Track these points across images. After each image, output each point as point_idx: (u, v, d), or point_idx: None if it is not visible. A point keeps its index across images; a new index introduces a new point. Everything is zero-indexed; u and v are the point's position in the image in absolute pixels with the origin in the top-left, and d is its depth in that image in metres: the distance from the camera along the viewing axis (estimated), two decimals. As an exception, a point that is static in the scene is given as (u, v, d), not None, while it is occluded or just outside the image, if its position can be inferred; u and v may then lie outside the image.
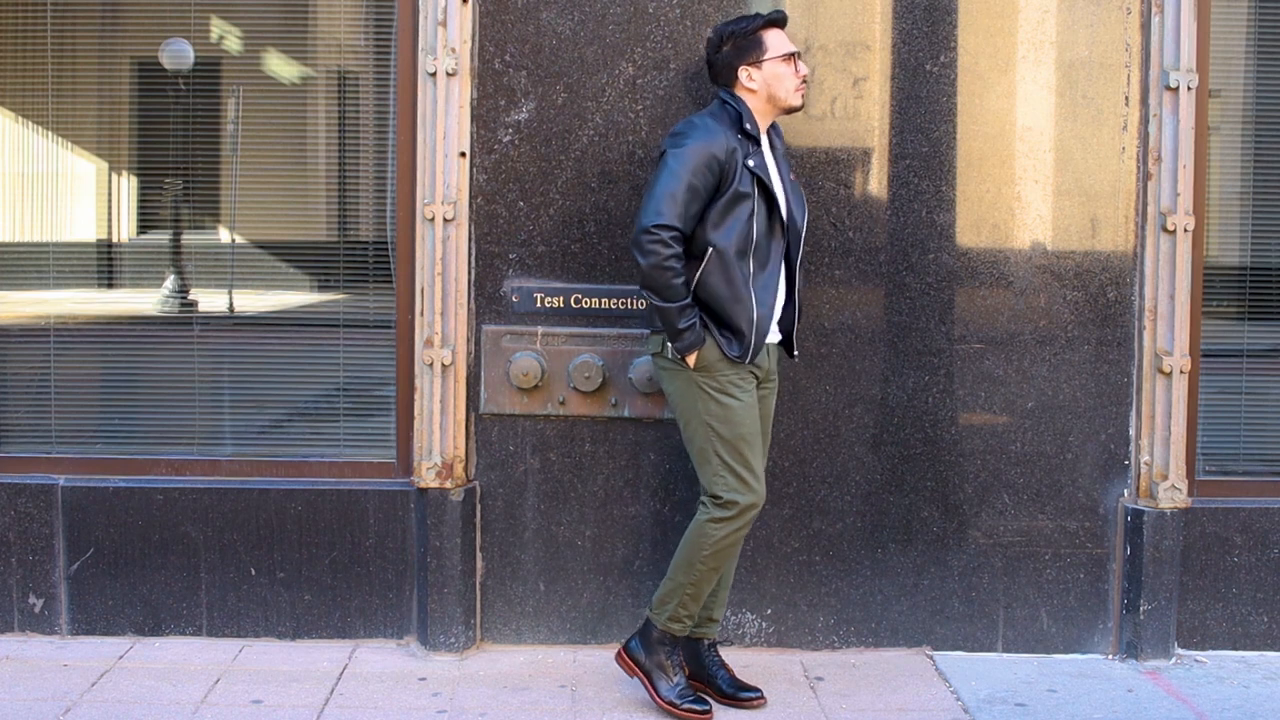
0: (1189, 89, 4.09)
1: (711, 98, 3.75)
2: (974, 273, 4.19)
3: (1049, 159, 4.18)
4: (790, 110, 3.68)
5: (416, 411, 4.11)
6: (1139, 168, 4.18)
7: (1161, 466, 4.15)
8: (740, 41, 3.63)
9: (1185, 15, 4.07)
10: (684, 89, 4.09)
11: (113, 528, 4.17)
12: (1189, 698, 3.89)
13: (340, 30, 4.52)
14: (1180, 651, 4.23)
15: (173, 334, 4.45)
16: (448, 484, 4.08)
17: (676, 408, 3.66)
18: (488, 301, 4.14)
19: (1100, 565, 4.23)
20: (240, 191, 4.45)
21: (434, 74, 4.02)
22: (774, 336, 3.69)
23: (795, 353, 3.78)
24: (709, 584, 3.67)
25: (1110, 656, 4.23)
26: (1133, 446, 4.21)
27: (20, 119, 4.43)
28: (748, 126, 3.57)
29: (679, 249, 3.46)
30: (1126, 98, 4.17)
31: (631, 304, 4.11)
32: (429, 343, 4.07)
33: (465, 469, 4.14)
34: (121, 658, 4.05)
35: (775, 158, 3.69)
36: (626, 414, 4.14)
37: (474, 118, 4.09)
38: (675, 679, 3.70)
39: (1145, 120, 4.16)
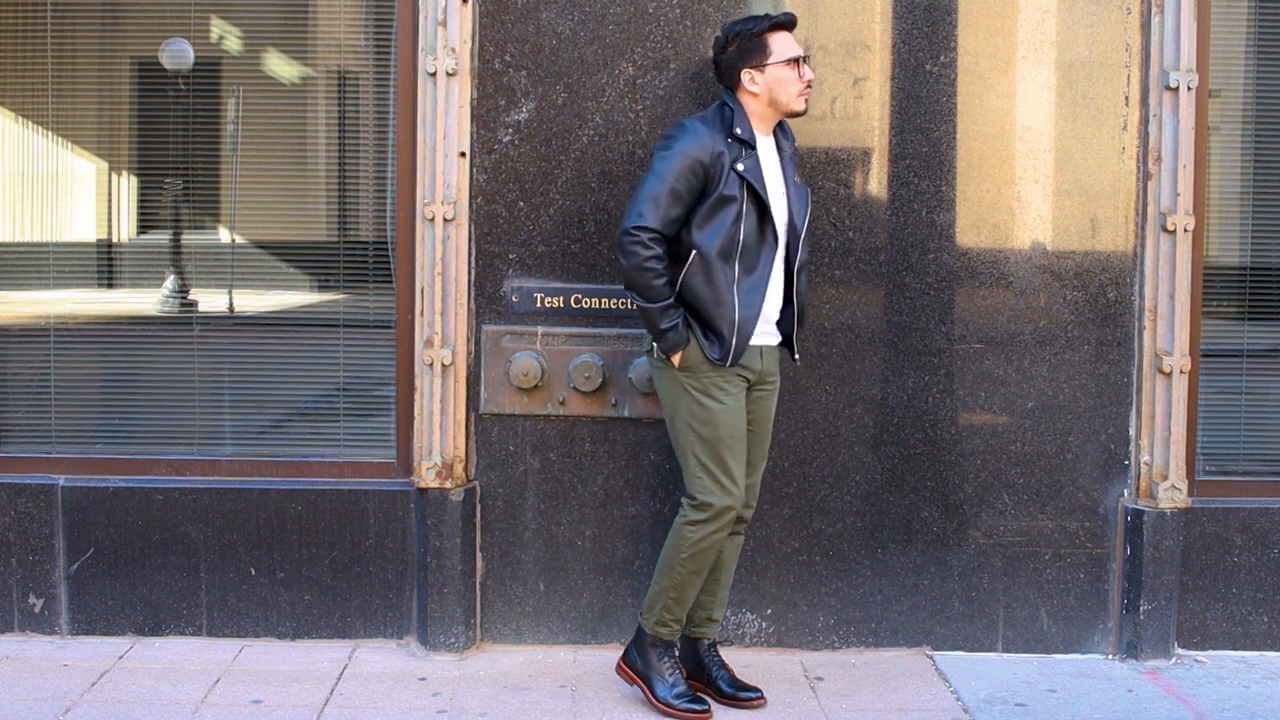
0: (1189, 89, 4.09)
1: (714, 97, 3.75)
2: (974, 273, 4.19)
3: (1049, 159, 4.18)
4: (793, 115, 3.67)
5: (416, 411, 4.11)
6: (1139, 168, 4.18)
7: (1161, 466, 4.15)
8: (745, 44, 3.62)
9: (1185, 15, 4.07)
10: (684, 89, 4.09)
11: (113, 528, 4.17)
12: (1189, 698, 3.89)
13: (340, 30, 4.52)
14: (1180, 651, 4.23)
15: (173, 334, 4.45)
16: (448, 484, 4.08)
17: (664, 406, 3.70)
18: (488, 301, 4.14)
19: (1100, 565, 4.23)
20: (240, 191, 4.45)
21: (434, 74, 4.02)
22: (770, 339, 3.69)
23: (797, 356, 3.76)
24: (691, 587, 3.67)
25: (1110, 656, 4.23)
26: (1133, 446, 4.21)
27: (20, 119, 4.44)
28: (738, 131, 3.56)
29: (659, 250, 3.49)
30: (1126, 98, 4.17)
31: (631, 304, 4.09)
32: (429, 343, 4.07)
33: (465, 469, 4.14)
34: (121, 658, 4.05)
35: (782, 160, 3.67)
36: (626, 414, 4.14)
37: (474, 118, 4.09)
38: (671, 680, 3.70)
39: (1145, 120, 4.16)
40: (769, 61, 3.59)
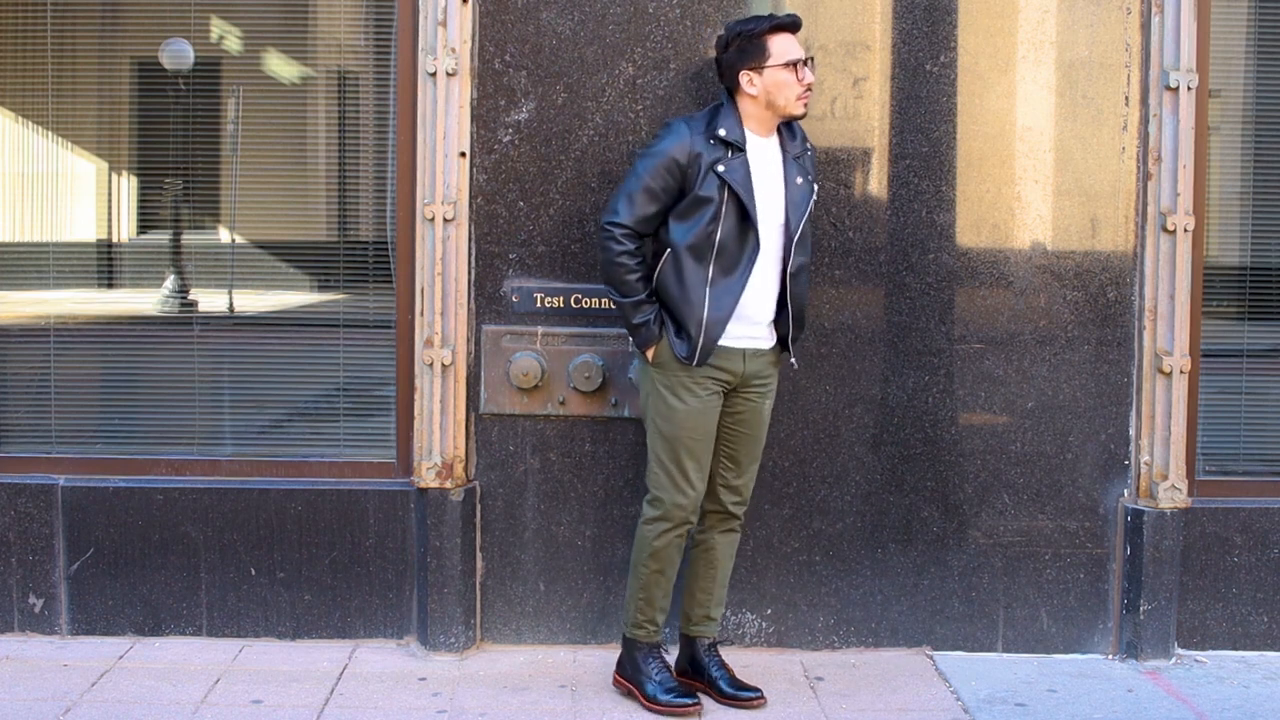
0: (1189, 89, 4.09)
1: (714, 98, 3.75)
2: (974, 273, 4.19)
3: (1049, 159, 4.18)
4: (791, 118, 3.65)
5: (416, 411, 4.11)
6: (1139, 168, 4.18)
7: (1161, 466, 4.15)
8: (744, 44, 3.60)
9: (1185, 15, 4.07)
10: (684, 89, 4.09)
11: (113, 528, 4.17)
12: (1189, 698, 3.89)
13: (340, 30, 4.52)
14: (1180, 651, 4.23)
15: (173, 334, 4.45)
16: (448, 484, 4.08)
17: (640, 399, 3.76)
18: (488, 301, 4.14)
19: (1100, 565, 4.23)
20: (240, 191, 4.45)
21: (434, 74, 4.02)
22: (757, 342, 3.68)
23: (794, 360, 3.76)
24: (657, 586, 3.71)
25: (1110, 656, 4.23)
26: (1133, 446, 4.21)
27: (20, 119, 4.43)
28: (721, 132, 3.56)
29: (631, 246, 3.57)
30: (1126, 98, 4.17)
31: (629, 303, 4.11)
32: (429, 343, 4.07)
33: (465, 469, 4.14)
34: (121, 658, 4.05)
35: (785, 160, 3.65)
36: (626, 414, 4.13)
37: (474, 118, 4.09)
38: (659, 679, 3.72)
39: (1145, 120, 4.16)
40: (767, 64, 3.58)
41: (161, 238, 4.49)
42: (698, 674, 3.82)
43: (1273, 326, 4.52)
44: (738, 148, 3.57)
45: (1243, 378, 4.46)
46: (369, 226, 4.41)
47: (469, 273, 4.12)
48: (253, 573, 4.19)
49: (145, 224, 4.54)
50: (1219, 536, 4.23)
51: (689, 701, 3.68)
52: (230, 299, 4.45)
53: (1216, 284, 4.42)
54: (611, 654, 4.06)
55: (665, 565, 3.71)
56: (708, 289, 3.56)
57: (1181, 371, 4.13)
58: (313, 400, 4.43)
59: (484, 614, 4.20)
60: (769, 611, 4.22)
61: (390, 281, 4.25)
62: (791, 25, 3.64)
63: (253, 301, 4.49)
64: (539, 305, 4.13)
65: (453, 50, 4.02)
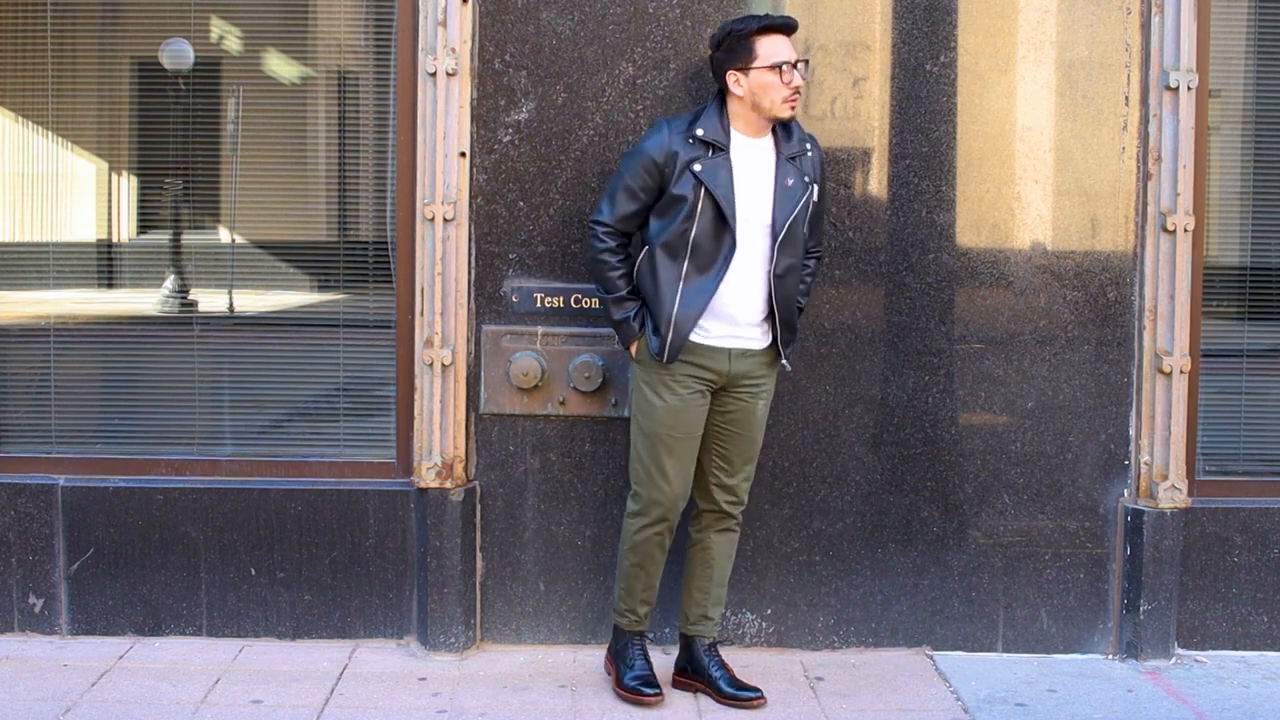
0: (1189, 89, 4.09)
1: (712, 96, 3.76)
2: (974, 273, 4.19)
3: (1049, 159, 4.18)
4: (777, 120, 3.63)
5: (416, 411, 4.11)
6: (1139, 168, 4.18)
7: (1161, 466, 4.15)
8: (733, 44, 3.60)
9: (1185, 15, 4.07)
10: (684, 89, 4.09)
11: (113, 528, 4.17)
12: (1189, 698, 3.89)
13: (340, 30, 4.52)
14: (1180, 651, 4.23)
15: (173, 334, 4.45)
16: (448, 484, 4.08)
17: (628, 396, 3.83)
18: (488, 301, 4.14)
19: (1100, 565, 4.23)
20: (240, 191, 4.45)
21: (434, 74, 4.02)
22: (744, 342, 3.67)
23: (785, 361, 3.74)
24: (636, 579, 3.78)
25: (1110, 656, 4.23)
26: (1133, 446, 4.21)
27: (20, 119, 4.44)
28: (699, 132, 3.57)
29: (613, 244, 3.65)
30: (1126, 98, 4.17)
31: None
32: (429, 343, 4.07)
33: (465, 469, 4.14)
34: (121, 658, 4.05)
35: (778, 160, 3.64)
36: (626, 414, 4.13)
37: (474, 118, 4.09)
38: (634, 665, 3.78)
39: (1145, 120, 4.16)
40: (753, 65, 3.57)
41: (161, 238, 4.49)
42: (697, 674, 3.82)
43: (1273, 326, 4.52)
44: (718, 147, 3.58)
45: (1243, 378, 4.46)
46: (369, 226, 4.41)
47: (469, 273, 4.12)
48: (253, 573, 4.19)
49: (145, 224, 4.54)
50: (1219, 536, 4.23)
51: (650, 691, 3.73)
52: (230, 299, 4.45)
53: (1216, 284, 4.42)
54: (611, 654, 4.08)
55: (644, 560, 3.75)
56: (680, 286, 3.58)
57: (1181, 371, 4.13)
58: (313, 400, 4.43)
59: (484, 614, 4.20)
60: (769, 611, 4.22)
61: (390, 281, 4.25)
62: (782, 26, 3.60)
63: (253, 301, 4.49)
64: (539, 305, 4.13)
65: (453, 50, 4.02)
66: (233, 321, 4.45)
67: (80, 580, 4.19)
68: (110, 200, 4.49)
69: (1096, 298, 4.20)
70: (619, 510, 4.15)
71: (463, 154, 4.05)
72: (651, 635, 4.12)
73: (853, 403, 4.18)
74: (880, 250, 4.17)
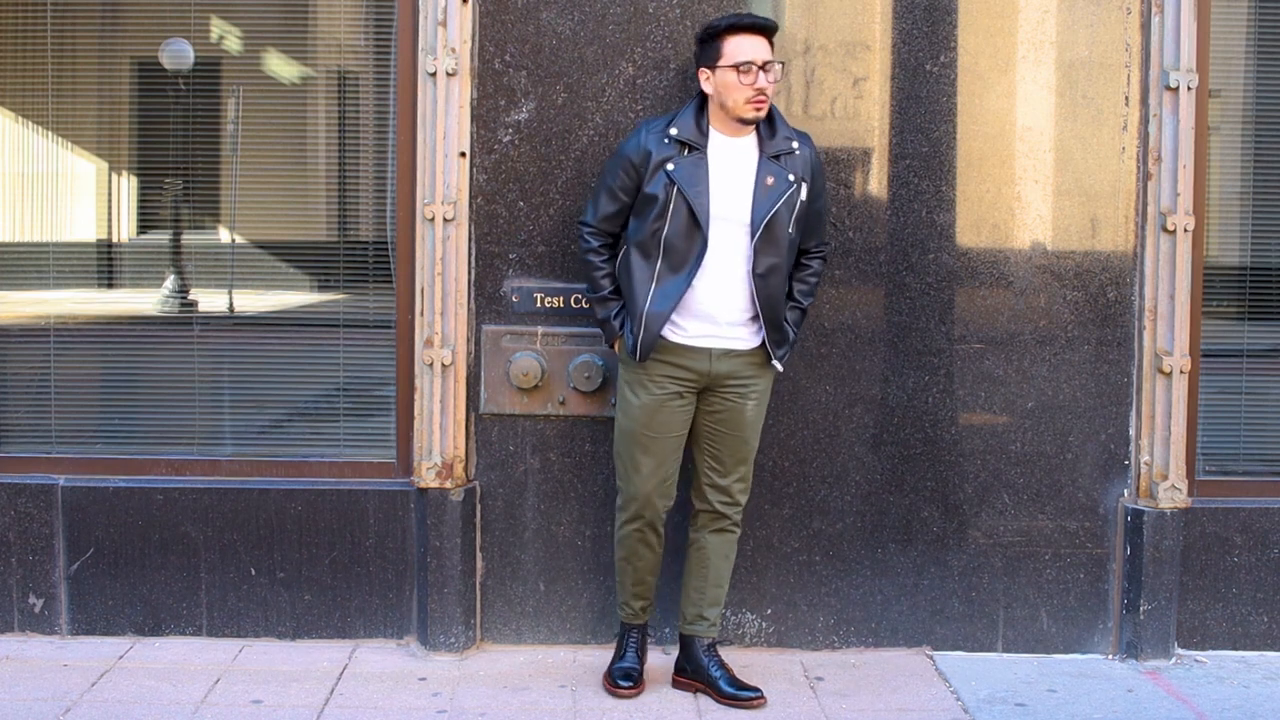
0: (1189, 89, 4.09)
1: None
2: (974, 273, 4.19)
3: (1049, 159, 4.18)
4: (743, 121, 3.61)
5: (416, 411, 4.11)
6: (1139, 168, 4.18)
7: (1161, 466, 4.15)
8: (706, 41, 3.64)
9: (1185, 15, 4.07)
10: (684, 89, 4.08)
11: (113, 528, 4.17)
12: (1189, 698, 3.89)
13: (340, 30, 4.52)
14: (1180, 651, 4.23)
15: (173, 334, 4.45)
16: (448, 484, 4.08)
17: None
18: (488, 301, 4.14)
19: (1100, 565, 4.23)
20: (240, 191, 4.45)
21: (434, 74, 4.02)
22: (729, 342, 3.67)
23: (776, 362, 3.72)
24: (625, 574, 3.84)
25: (1110, 656, 4.23)
26: (1133, 446, 4.21)
27: (20, 119, 4.44)
28: (673, 131, 3.59)
29: (596, 244, 3.73)
30: (1126, 98, 4.17)
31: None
32: (429, 343, 4.07)
33: (465, 469, 4.14)
34: (121, 658, 4.05)
35: (760, 159, 3.62)
36: (626, 414, 4.14)
37: (474, 118, 4.09)
38: (625, 659, 3.85)
39: (1145, 120, 4.16)
40: (719, 64, 3.58)
41: (161, 238, 4.49)
42: (697, 674, 3.82)
43: (1273, 326, 4.52)
44: (693, 146, 3.58)
45: (1243, 378, 4.46)
46: (369, 226, 4.41)
47: (469, 273, 4.12)
48: (253, 573, 4.19)
49: (145, 224, 4.54)
50: (1219, 536, 4.23)
51: (624, 685, 3.78)
52: (230, 299, 4.45)
53: (1216, 284, 4.42)
54: (611, 654, 4.07)
55: (629, 555, 3.81)
56: (652, 286, 3.61)
57: (1181, 371, 4.13)
58: (313, 400, 4.43)
59: (484, 614, 4.20)
60: (769, 611, 4.22)
61: (390, 281, 4.25)
62: (751, 26, 3.58)
63: (253, 301, 4.49)
64: (539, 305, 4.13)
65: (453, 50, 4.02)
66: (233, 321, 4.45)
67: (80, 580, 4.19)
68: (110, 200, 4.49)
69: (1096, 298, 4.20)
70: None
71: (463, 154, 4.05)
72: (653, 635, 4.12)
73: (853, 403, 4.18)
74: (880, 250, 4.16)
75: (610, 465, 4.15)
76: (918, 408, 4.19)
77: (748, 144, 3.65)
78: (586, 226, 3.74)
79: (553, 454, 4.17)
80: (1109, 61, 4.16)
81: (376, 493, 4.18)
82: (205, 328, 4.41)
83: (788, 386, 4.13)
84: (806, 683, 3.97)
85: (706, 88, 3.62)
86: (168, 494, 4.18)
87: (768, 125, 3.66)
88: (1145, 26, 4.14)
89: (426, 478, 4.07)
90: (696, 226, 3.56)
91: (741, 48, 3.55)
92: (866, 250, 4.16)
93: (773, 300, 3.64)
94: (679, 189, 3.55)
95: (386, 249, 4.28)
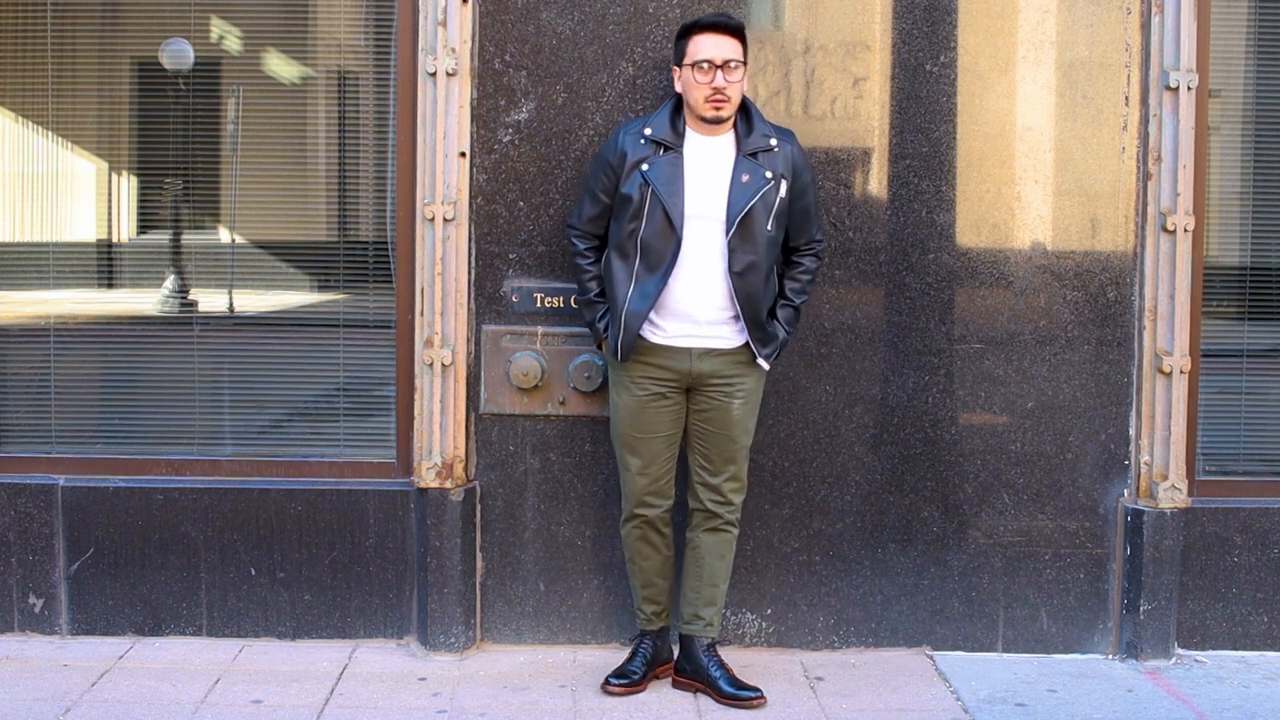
0: (1189, 89, 4.09)
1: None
2: (974, 273, 4.19)
3: (1049, 159, 4.18)
4: (704, 120, 3.62)
5: (416, 411, 4.11)
6: (1139, 168, 4.18)
7: (1161, 466, 4.15)
8: (677, 41, 3.69)
9: (1185, 15, 4.07)
10: (684, 89, 4.09)
11: (113, 528, 4.17)
12: (1189, 698, 3.89)
13: (340, 30, 4.52)
14: (1180, 651, 4.23)
15: (173, 334, 4.45)
16: (448, 484, 4.08)
17: None
18: (488, 301, 4.14)
19: (1100, 565, 4.23)
20: (240, 191, 4.45)
21: (434, 74, 4.02)
22: (710, 341, 3.67)
23: (761, 360, 3.70)
24: (634, 576, 3.89)
25: (1110, 656, 4.23)
26: (1133, 446, 4.21)
27: (20, 119, 4.44)
28: (648, 132, 3.62)
29: (582, 246, 3.77)
30: (1126, 98, 4.17)
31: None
32: (429, 343, 4.07)
33: (465, 469, 4.14)
34: (121, 658, 4.05)
35: (737, 157, 3.62)
36: (626, 414, 4.14)
37: (474, 118, 4.09)
38: (632, 661, 3.86)
39: (1145, 120, 4.16)
40: (683, 63, 3.63)
41: (161, 238, 4.49)
42: (697, 674, 3.82)
43: (1273, 326, 4.52)
44: (668, 146, 3.60)
45: (1243, 378, 4.46)
46: (369, 226, 4.41)
47: (469, 273, 4.12)
48: (253, 573, 4.19)
49: (145, 224, 4.54)
50: (1219, 536, 4.23)
51: (614, 682, 3.80)
52: (230, 299, 4.45)
53: (1216, 284, 4.42)
54: (612, 654, 4.07)
55: (634, 555, 3.85)
56: (630, 286, 3.63)
57: (1181, 371, 4.13)
58: (313, 400, 4.43)
59: (484, 614, 4.20)
60: (769, 611, 4.22)
61: (390, 281, 4.25)
62: (713, 25, 3.60)
63: (253, 301, 4.49)
64: (539, 305, 4.13)
65: (453, 50, 4.02)
66: (233, 321, 4.45)
67: (80, 580, 4.19)
68: (110, 200, 4.49)
69: (1096, 298, 4.20)
70: (619, 510, 4.15)
71: (463, 154, 4.05)
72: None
73: (853, 403, 4.18)
74: (880, 250, 4.16)
75: (610, 465, 4.15)
76: (918, 408, 4.19)
77: (724, 142, 3.66)
78: (573, 230, 3.79)
79: (553, 454, 4.17)
80: (1109, 61, 4.16)
81: (376, 493, 4.18)
82: (205, 328, 4.41)
83: (788, 386, 4.13)
84: (806, 683, 3.97)
85: (677, 87, 3.67)
86: (168, 494, 4.18)
87: (745, 123, 3.67)
88: (1145, 26, 4.14)
89: (426, 478, 4.07)
90: (671, 226, 3.58)
91: (703, 46, 3.58)
92: (866, 250, 4.16)
93: (752, 298, 3.63)
94: (653, 189, 3.57)
95: (386, 249, 4.28)
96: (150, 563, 4.18)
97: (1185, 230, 4.10)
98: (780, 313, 3.74)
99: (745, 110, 3.68)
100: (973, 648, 4.24)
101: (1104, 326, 4.20)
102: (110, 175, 4.49)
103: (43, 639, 4.19)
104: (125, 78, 4.44)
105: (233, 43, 4.45)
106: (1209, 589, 4.25)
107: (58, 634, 4.21)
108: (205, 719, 3.61)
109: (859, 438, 4.19)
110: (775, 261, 3.72)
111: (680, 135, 3.63)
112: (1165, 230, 4.11)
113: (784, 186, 3.65)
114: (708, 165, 3.63)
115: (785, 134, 3.73)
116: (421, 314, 4.08)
